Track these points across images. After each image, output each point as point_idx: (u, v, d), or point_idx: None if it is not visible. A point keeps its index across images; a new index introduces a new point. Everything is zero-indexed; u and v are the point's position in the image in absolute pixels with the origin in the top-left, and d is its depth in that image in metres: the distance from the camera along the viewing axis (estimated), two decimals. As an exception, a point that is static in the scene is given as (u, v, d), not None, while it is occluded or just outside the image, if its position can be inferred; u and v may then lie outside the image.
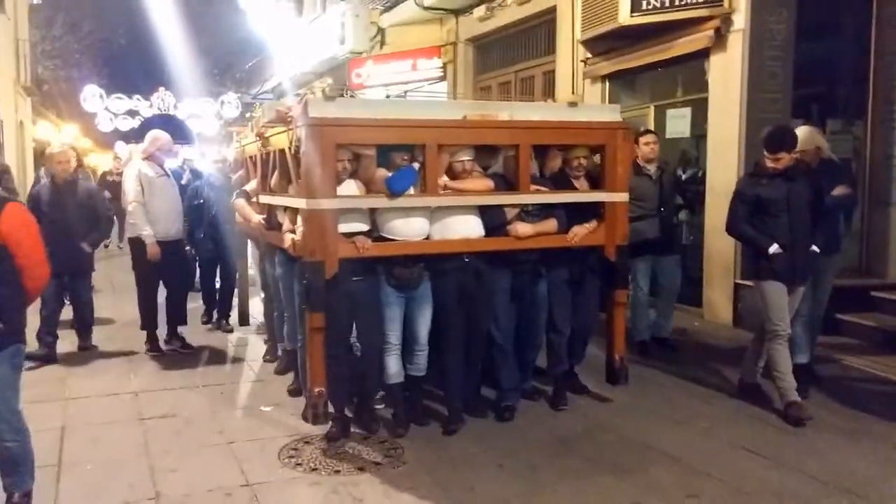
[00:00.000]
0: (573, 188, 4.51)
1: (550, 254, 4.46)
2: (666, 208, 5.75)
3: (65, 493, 3.52)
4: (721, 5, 5.95)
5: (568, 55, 8.09)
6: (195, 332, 6.58)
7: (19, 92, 17.09)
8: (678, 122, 7.33)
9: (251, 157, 5.45)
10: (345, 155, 4.00)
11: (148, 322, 6.02)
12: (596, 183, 4.57)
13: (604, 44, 7.18)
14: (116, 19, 23.92)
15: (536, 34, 9.16)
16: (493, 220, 4.29)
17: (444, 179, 4.17)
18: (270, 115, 4.41)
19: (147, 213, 5.74)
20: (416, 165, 4.04)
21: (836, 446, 4.02)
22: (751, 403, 4.64)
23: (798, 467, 3.73)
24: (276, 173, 4.66)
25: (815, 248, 4.44)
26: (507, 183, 4.35)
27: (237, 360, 5.99)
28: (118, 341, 6.36)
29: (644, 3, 6.36)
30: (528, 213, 4.37)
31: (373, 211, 4.10)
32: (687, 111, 7.32)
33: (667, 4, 6.24)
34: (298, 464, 3.81)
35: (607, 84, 7.91)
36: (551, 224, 4.37)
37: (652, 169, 5.76)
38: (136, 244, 5.83)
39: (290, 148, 4.14)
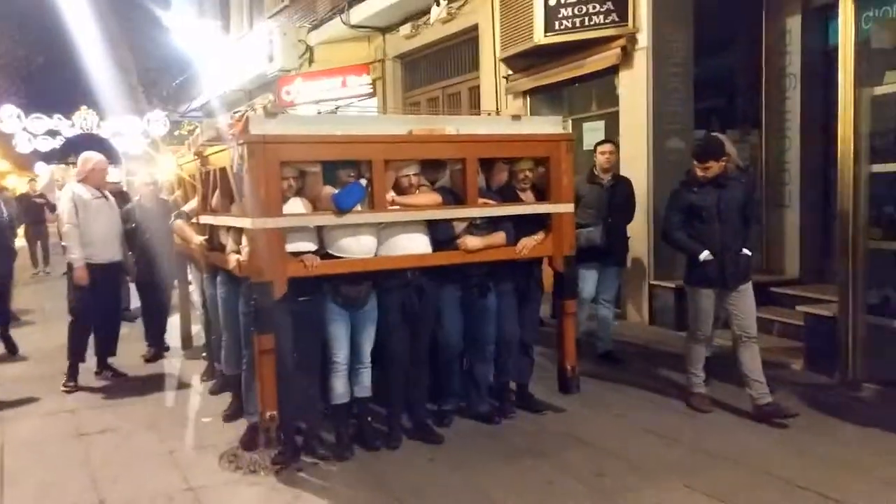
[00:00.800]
0: (520, 200, 4.54)
1: (497, 267, 4.47)
2: (613, 218, 5.79)
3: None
4: (626, 25, 6.32)
5: (491, 71, 8.37)
6: (133, 361, 6.32)
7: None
8: (593, 135, 7.54)
9: (189, 177, 5.29)
10: (290, 172, 3.91)
11: (74, 353, 5.63)
12: (542, 194, 4.61)
13: (523, 61, 7.53)
14: (34, 37, 22.95)
15: (461, 51, 9.40)
16: (442, 234, 4.28)
17: (392, 195, 4.14)
18: (210, 133, 4.28)
19: (82, 236, 5.49)
20: (363, 181, 3.99)
21: (732, 426, 4.44)
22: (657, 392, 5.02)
23: (694, 445, 4.14)
24: (216, 192, 4.52)
25: (746, 251, 4.58)
26: (454, 197, 4.33)
27: (174, 379, 5.86)
28: (47, 365, 6.12)
29: (557, 23, 6.70)
30: (476, 226, 4.37)
31: (320, 229, 4.03)
32: (601, 124, 7.59)
33: (577, 25, 6.60)
34: (238, 468, 3.95)
35: (528, 99, 8.22)
36: (500, 237, 4.38)
37: (605, 178, 5.79)
38: (71, 268, 5.57)
39: (231, 166, 4.03)
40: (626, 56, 6.58)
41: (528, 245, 4.43)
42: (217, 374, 5.38)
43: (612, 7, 6.42)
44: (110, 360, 5.92)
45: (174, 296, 6.83)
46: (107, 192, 5.86)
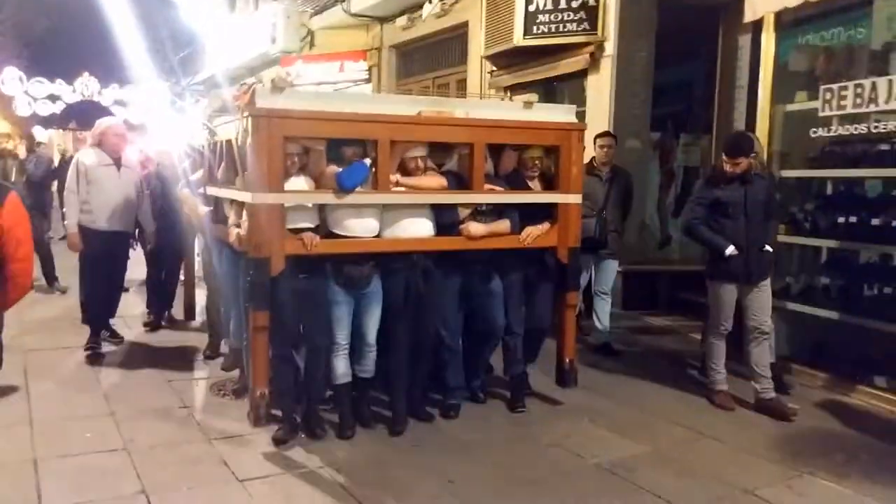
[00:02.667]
0: (527, 188, 4.47)
1: (503, 254, 4.40)
2: (609, 211, 5.81)
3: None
4: (595, 34, 6.96)
5: (477, 66, 8.95)
6: (135, 329, 6.36)
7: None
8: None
9: (198, 147, 5.21)
10: (293, 148, 3.85)
11: (90, 316, 5.67)
12: (550, 184, 4.54)
13: (504, 59, 8.16)
14: (39, 2, 22.80)
15: (451, 45, 9.94)
16: (446, 218, 4.22)
17: (397, 176, 4.06)
18: (216, 104, 4.20)
19: (84, 203, 5.43)
20: (368, 161, 3.92)
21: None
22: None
23: (609, 395, 4.74)
24: (222, 165, 4.45)
25: (768, 248, 4.62)
26: (460, 181, 4.26)
27: (180, 352, 5.78)
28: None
29: (535, 28, 7.29)
30: (481, 212, 4.30)
31: (322, 207, 3.96)
32: (572, 122, 7.91)
33: (553, 30, 7.22)
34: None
35: (509, 94, 8.53)
36: (504, 225, 4.31)
37: (605, 171, 5.82)
38: (82, 234, 5.47)
39: (236, 139, 3.95)
40: (594, 61, 7.19)
41: (533, 234, 4.36)
42: (222, 350, 5.33)
43: (584, 17, 7.04)
44: (111, 321, 5.92)
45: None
46: (125, 161, 5.70)
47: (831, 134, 5.25)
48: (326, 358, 4.06)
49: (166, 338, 6.25)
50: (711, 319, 4.80)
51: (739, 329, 4.71)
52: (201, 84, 17.37)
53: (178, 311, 6.75)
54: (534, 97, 4.54)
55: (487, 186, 4.27)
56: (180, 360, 5.55)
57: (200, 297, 6.37)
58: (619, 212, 5.98)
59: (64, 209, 5.61)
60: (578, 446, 4.03)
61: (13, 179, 7.93)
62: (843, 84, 5.07)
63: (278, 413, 4.05)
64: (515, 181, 4.47)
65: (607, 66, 7.00)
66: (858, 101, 4.97)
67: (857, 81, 5.01)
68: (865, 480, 3.67)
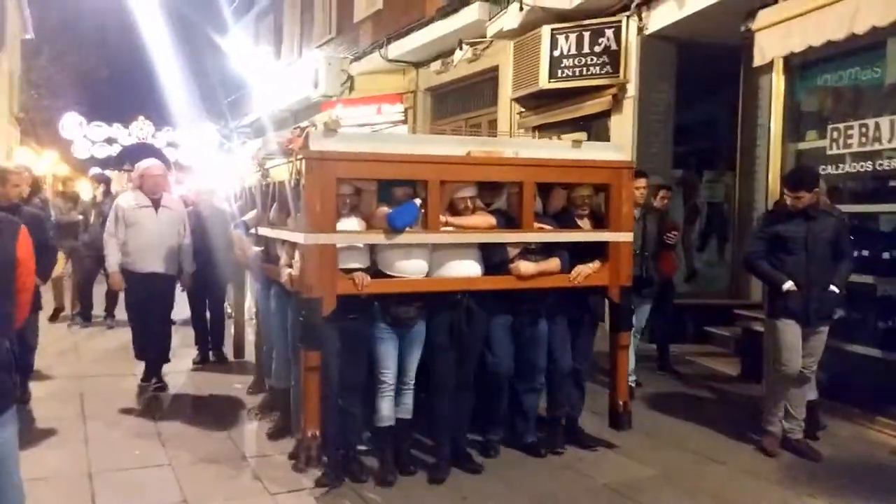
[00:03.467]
0: (577, 227, 4.43)
1: (551, 294, 4.36)
2: (647, 250, 5.75)
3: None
4: (618, 76, 7.31)
5: (507, 107, 9.38)
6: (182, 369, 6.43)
7: (12, 122, 17.07)
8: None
9: (251, 188, 5.33)
10: (345, 189, 3.90)
11: (139, 352, 5.78)
12: (600, 222, 4.50)
13: (532, 101, 8.58)
14: (100, 51, 24.07)
15: (483, 88, 10.49)
16: (495, 257, 4.19)
17: (447, 216, 4.07)
18: (271, 147, 4.30)
19: (123, 245, 5.54)
20: (418, 201, 3.94)
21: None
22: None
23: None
24: (275, 205, 4.53)
25: (833, 287, 4.41)
26: (509, 220, 4.25)
27: (218, 388, 5.86)
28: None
29: (559, 72, 7.67)
30: (531, 251, 4.27)
31: (372, 247, 3.99)
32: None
33: (577, 74, 7.59)
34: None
35: (537, 134, 8.83)
36: (554, 263, 4.27)
37: (637, 210, 5.71)
38: (124, 276, 5.60)
39: (290, 181, 4.03)
40: (617, 102, 7.53)
41: (584, 272, 4.31)
42: (266, 387, 5.32)
43: (606, 60, 7.36)
44: (164, 367, 5.89)
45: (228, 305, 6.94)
46: (164, 201, 5.75)
47: (839, 172, 5.47)
48: (367, 399, 4.03)
49: (212, 375, 6.33)
50: (774, 361, 4.56)
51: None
52: (248, 126, 18.20)
53: (228, 349, 6.84)
54: (582, 136, 4.54)
55: (537, 225, 4.25)
56: (225, 397, 5.62)
57: (251, 335, 6.43)
58: (653, 251, 5.89)
59: (104, 252, 5.68)
60: (590, 468, 4.23)
61: (91, 222, 8.15)
62: (849, 124, 5.31)
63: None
64: (565, 220, 4.44)
65: (629, 107, 7.34)
66: (863, 139, 5.19)
67: (862, 121, 5.24)
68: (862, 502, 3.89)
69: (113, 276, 5.66)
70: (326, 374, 3.86)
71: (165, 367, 5.89)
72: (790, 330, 4.45)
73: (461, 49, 9.66)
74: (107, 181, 8.84)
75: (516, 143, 4.50)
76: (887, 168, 5.18)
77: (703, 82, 7.24)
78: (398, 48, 11.26)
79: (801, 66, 5.87)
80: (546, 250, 4.30)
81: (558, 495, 3.89)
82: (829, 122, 5.57)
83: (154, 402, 5.44)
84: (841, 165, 5.47)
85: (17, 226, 2.54)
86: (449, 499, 3.71)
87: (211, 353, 6.78)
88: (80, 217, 8.39)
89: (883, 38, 5.18)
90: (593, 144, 4.49)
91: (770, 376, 4.71)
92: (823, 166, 5.48)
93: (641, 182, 5.81)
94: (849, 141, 5.30)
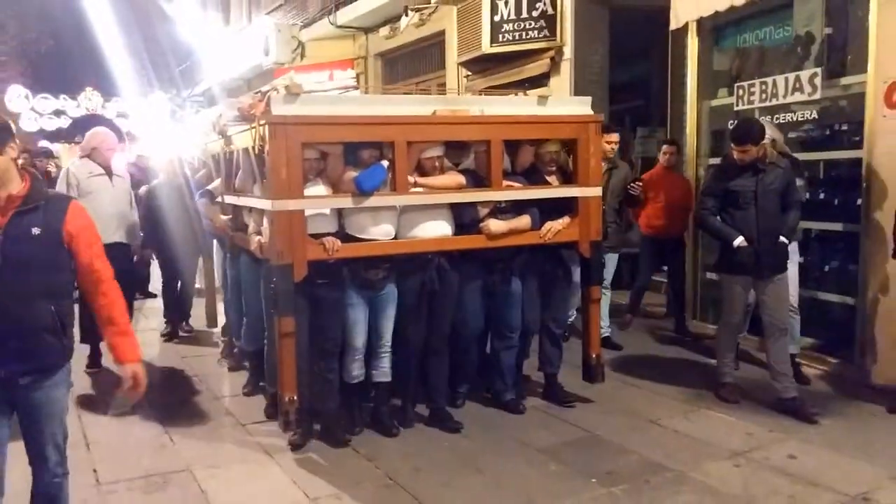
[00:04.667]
0: (546, 183, 4.44)
1: (523, 251, 4.38)
2: (607, 204, 5.65)
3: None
4: (555, 40, 7.59)
5: (454, 71, 9.55)
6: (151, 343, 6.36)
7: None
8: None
9: (213, 156, 5.20)
10: (311, 154, 3.84)
11: (88, 333, 5.48)
12: (568, 178, 4.51)
13: (477, 65, 8.81)
14: (43, 22, 23.16)
15: (431, 52, 10.64)
16: (465, 217, 4.19)
17: (415, 177, 4.04)
18: (232, 113, 4.19)
19: None
20: (385, 163, 3.90)
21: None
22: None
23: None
24: (240, 173, 4.44)
25: (783, 239, 4.43)
26: (478, 179, 4.24)
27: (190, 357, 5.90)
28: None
29: (500, 36, 7.92)
30: (501, 210, 4.27)
31: (340, 211, 3.95)
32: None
33: (517, 38, 7.83)
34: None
35: (483, 95, 9.03)
36: (524, 221, 4.28)
37: (604, 165, 5.73)
38: None
39: (253, 147, 3.94)
40: (555, 65, 7.75)
41: (554, 229, 4.33)
42: (235, 352, 5.36)
43: (543, 24, 7.65)
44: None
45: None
46: (115, 170, 5.62)
47: None
48: (340, 362, 4.05)
49: (182, 346, 6.36)
50: (723, 313, 4.69)
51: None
52: (201, 95, 17.89)
53: (199, 320, 6.75)
54: (549, 91, 4.51)
55: (506, 183, 4.24)
56: (198, 362, 5.73)
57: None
58: (616, 204, 5.91)
59: None
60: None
61: None
62: (752, 82, 5.74)
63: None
64: (533, 177, 4.44)
65: (566, 69, 7.60)
66: (764, 96, 5.62)
67: (762, 79, 5.65)
68: (752, 413, 4.41)
69: None
70: (298, 338, 3.84)
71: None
72: (738, 285, 4.50)
73: (407, 15, 9.88)
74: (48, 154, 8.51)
75: (482, 101, 4.44)
76: (783, 122, 5.60)
77: (636, 44, 7.60)
78: (346, 14, 11.42)
79: (713, 28, 6.28)
80: (516, 208, 4.30)
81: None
82: (737, 80, 5.98)
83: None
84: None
85: (65, 202, 2.62)
86: (430, 449, 3.85)
87: (181, 325, 6.70)
88: None
89: (781, 3, 5.60)
90: (559, 100, 4.47)
91: (720, 331, 4.79)
92: (732, 121, 5.84)
93: (613, 137, 5.80)
94: (752, 98, 5.73)
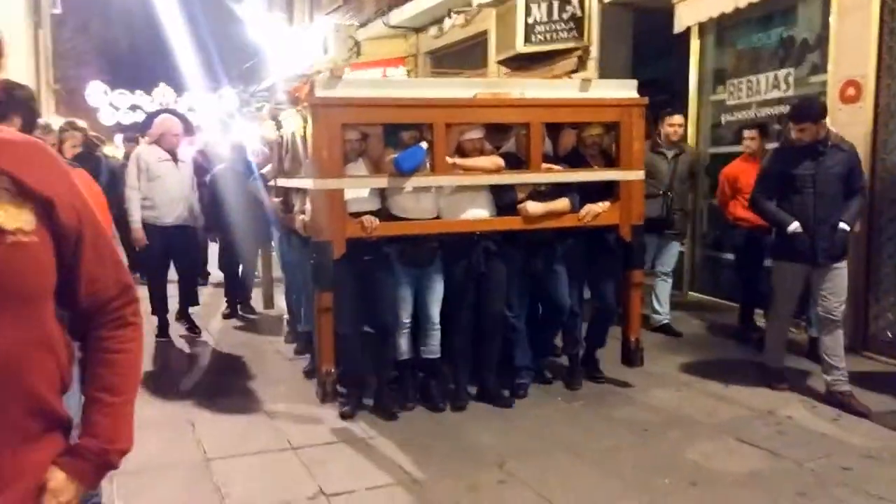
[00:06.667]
0: (588, 167, 4.42)
1: (565, 234, 4.38)
2: (674, 190, 5.72)
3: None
4: (582, 40, 8.20)
5: (495, 69, 10.05)
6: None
7: (49, 94, 17.47)
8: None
9: (269, 142, 5.40)
10: (352, 135, 3.95)
11: (156, 307, 5.91)
12: (612, 163, 4.48)
13: (513, 63, 9.24)
14: (121, 22, 24.44)
15: (475, 51, 11.23)
16: (504, 199, 4.22)
17: (455, 159, 4.09)
18: (282, 97, 4.35)
19: (146, 199, 5.63)
20: (425, 145, 3.97)
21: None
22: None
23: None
24: (288, 155, 4.60)
25: (843, 225, 4.20)
26: (518, 162, 4.26)
27: (257, 341, 6.03)
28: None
29: (533, 37, 8.54)
30: (540, 192, 4.28)
31: (382, 190, 4.04)
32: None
33: (548, 39, 8.48)
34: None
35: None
36: (563, 203, 4.26)
37: (670, 149, 5.73)
38: (146, 230, 5.67)
39: (299, 129, 4.08)
40: (582, 63, 8.23)
41: (594, 211, 4.31)
42: (299, 334, 5.48)
43: (573, 26, 8.30)
44: (190, 310, 6.20)
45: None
46: (180, 154, 5.90)
47: (735, 118, 6.65)
48: (392, 338, 4.15)
49: (243, 326, 6.59)
50: (773, 301, 4.52)
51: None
52: (265, 91, 18.63)
53: (258, 302, 6.99)
54: (592, 74, 4.47)
55: (545, 166, 4.25)
56: (258, 345, 5.85)
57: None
58: (685, 190, 5.85)
59: (126, 206, 5.67)
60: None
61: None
62: (740, 80, 6.59)
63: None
64: (575, 161, 4.43)
65: (593, 67, 8.11)
66: (749, 92, 6.47)
67: (748, 77, 6.48)
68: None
69: (136, 231, 5.61)
70: (345, 314, 3.96)
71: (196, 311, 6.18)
72: (791, 273, 4.32)
73: (450, 17, 10.69)
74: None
75: (523, 84, 4.44)
76: (765, 115, 6.28)
77: (657, 43, 7.94)
78: (398, 15, 12.06)
79: (714, 31, 7.01)
80: (557, 193, 4.29)
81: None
82: (730, 78, 6.79)
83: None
84: (736, 113, 6.68)
85: (73, 168, 2.64)
86: (477, 427, 3.89)
87: (239, 306, 6.96)
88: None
89: (768, 12, 6.27)
90: (601, 82, 4.43)
91: (770, 319, 4.66)
92: (726, 115, 6.72)
93: (676, 119, 5.77)
94: (739, 94, 6.59)
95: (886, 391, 4.43)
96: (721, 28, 6.91)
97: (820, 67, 5.76)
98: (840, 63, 5.34)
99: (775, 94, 6.14)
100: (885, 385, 4.53)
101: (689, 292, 7.27)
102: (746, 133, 5.78)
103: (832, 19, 5.44)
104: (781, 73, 6.11)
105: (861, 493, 3.18)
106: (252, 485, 3.32)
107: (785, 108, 5.86)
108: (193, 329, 6.13)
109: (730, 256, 6.40)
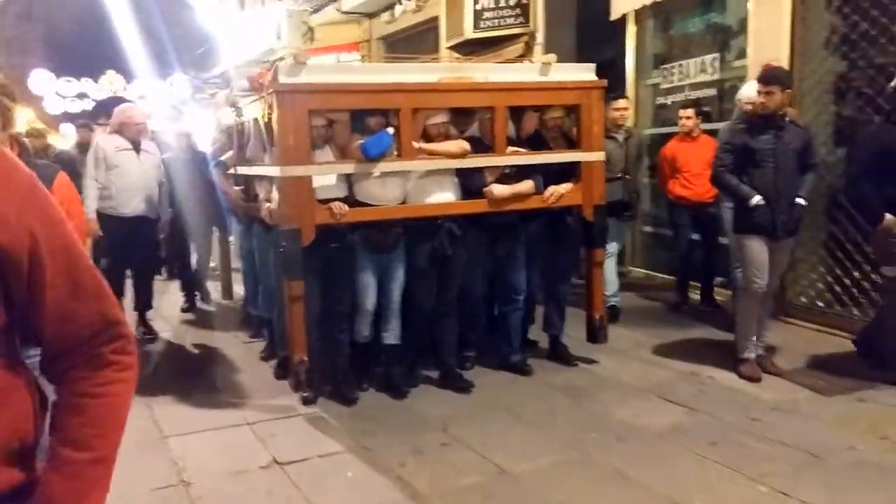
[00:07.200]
0: (550, 149, 4.50)
1: (528, 216, 4.46)
2: (630, 173, 5.81)
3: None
4: (528, 26, 8.46)
5: (446, 54, 10.17)
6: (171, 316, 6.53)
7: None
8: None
9: (226, 129, 5.33)
10: (318, 121, 3.94)
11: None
12: (573, 145, 4.56)
13: (463, 49, 9.42)
14: (65, 7, 23.61)
15: (426, 36, 11.39)
16: (471, 183, 4.27)
17: (420, 143, 4.13)
18: (242, 84, 4.31)
19: (104, 188, 5.43)
20: (391, 130, 3.99)
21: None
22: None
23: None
24: (251, 143, 4.57)
25: (800, 200, 4.28)
26: (483, 146, 4.31)
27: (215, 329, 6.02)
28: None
29: (481, 23, 8.80)
30: (506, 175, 4.35)
31: (349, 176, 4.05)
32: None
33: (495, 24, 8.73)
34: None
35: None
36: (527, 185, 4.34)
37: (619, 133, 5.80)
38: (103, 221, 5.45)
39: (263, 116, 4.06)
40: (529, 49, 8.47)
41: (557, 192, 4.40)
42: (253, 321, 5.50)
43: (519, 12, 8.56)
44: (147, 313, 5.91)
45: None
46: (143, 145, 5.70)
47: (668, 101, 7.05)
48: (351, 324, 4.18)
49: (202, 316, 6.50)
50: (742, 278, 4.45)
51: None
52: (218, 77, 18.29)
53: (217, 292, 6.97)
54: (552, 58, 4.55)
55: (510, 149, 4.32)
56: (216, 333, 5.84)
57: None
58: (635, 173, 5.97)
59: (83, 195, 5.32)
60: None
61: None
62: (672, 64, 6.96)
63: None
64: (538, 144, 4.50)
65: (539, 52, 8.19)
66: (680, 76, 6.86)
67: (680, 62, 6.88)
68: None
69: (90, 222, 5.24)
70: (309, 301, 3.97)
71: (151, 314, 5.94)
72: (757, 245, 4.32)
73: (401, 3, 10.89)
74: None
75: (486, 69, 4.50)
76: (694, 97, 6.65)
77: (600, 29, 8.14)
78: (351, 0, 12.11)
79: (650, 17, 7.34)
80: (521, 176, 4.36)
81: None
82: (664, 63, 7.13)
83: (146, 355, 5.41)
84: (669, 96, 7.07)
85: (54, 171, 2.66)
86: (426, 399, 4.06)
87: (197, 296, 6.83)
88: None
89: None
90: (561, 66, 4.49)
91: (740, 296, 4.56)
92: (661, 98, 7.10)
93: (622, 103, 5.82)
94: (672, 77, 6.96)
95: (799, 352, 4.75)
96: (656, 14, 7.24)
97: (743, 53, 6.10)
98: (757, 48, 5.66)
99: (703, 77, 6.59)
100: (798, 346, 4.87)
101: (631, 268, 7.54)
102: (682, 112, 5.93)
103: (749, 6, 5.77)
104: (708, 57, 6.52)
105: (764, 440, 3.50)
106: (208, 457, 3.45)
107: (712, 91, 6.49)
108: (150, 332, 5.80)
109: (669, 233, 6.57)
